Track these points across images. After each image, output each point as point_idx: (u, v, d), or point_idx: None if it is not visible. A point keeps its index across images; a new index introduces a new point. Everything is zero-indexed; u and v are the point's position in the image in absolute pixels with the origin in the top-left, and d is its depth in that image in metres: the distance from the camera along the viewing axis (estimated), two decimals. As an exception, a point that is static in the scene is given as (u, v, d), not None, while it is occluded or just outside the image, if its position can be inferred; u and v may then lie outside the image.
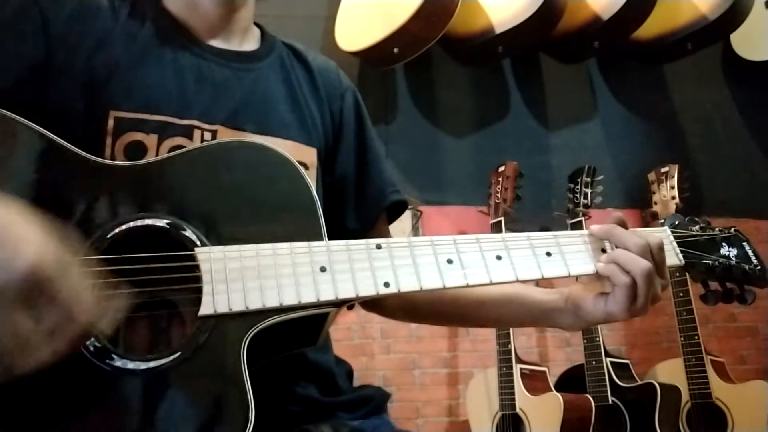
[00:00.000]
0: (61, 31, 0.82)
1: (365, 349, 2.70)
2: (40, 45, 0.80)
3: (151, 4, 0.91)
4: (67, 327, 0.57)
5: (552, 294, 0.92)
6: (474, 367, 2.70)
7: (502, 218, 2.49)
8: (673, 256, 0.91)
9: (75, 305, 0.57)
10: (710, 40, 2.87)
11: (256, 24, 1.01)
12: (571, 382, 2.47)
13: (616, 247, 0.83)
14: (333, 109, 1.01)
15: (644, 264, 0.80)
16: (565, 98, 3.10)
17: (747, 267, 0.93)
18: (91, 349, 0.65)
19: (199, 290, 0.69)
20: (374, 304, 1.03)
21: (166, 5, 0.92)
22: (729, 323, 2.97)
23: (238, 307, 0.69)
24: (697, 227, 0.96)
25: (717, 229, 0.97)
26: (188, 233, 0.72)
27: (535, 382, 2.37)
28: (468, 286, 0.78)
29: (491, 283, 0.80)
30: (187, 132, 0.84)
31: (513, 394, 2.32)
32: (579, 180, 2.54)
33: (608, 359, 2.39)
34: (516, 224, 2.51)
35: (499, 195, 2.53)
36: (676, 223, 0.96)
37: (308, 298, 0.72)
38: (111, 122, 0.81)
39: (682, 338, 2.40)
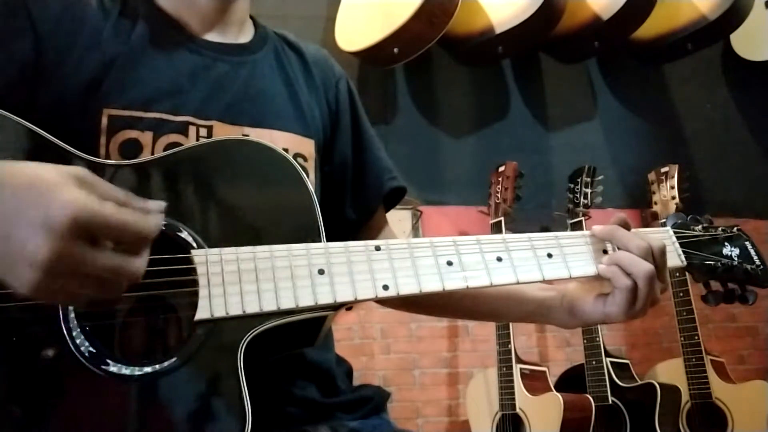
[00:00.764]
0: (49, 31, 0.81)
1: (365, 349, 2.69)
2: (29, 45, 0.79)
3: (143, 2, 0.90)
4: (122, 258, 0.56)
5: (549, 291, 0.91)
6: (474, 367, 2.69)
7: (502, 218, 2.49)
8: (675, 258, 0.90)
9: (124, 234, 0.56)
10: (710, 40, 2.87)
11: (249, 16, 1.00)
12: (571, 382, 2.47)
13: (618, 248, 0.82)
14: (329, 97, 1.00)
15: (646, 267, 0.79)
16: (565, 98, 3.10)
17: (749, 267, 0.93)
18: (86, 354, 0.64)
19: (196, 293, 0.68)
20: None
21: (158, 2, 0.91)
22: (729, 323, 2.97)
23: (235, 311, 0.68)
24: (700, 227, 0.96)
25: (720, 228, 0.96)
26: (184, 235, 0.71)
27: (535, 382, 2.36)
28: (468, 288, 0.78)
29: (491, 285, 0.79)
30: (182, 128, 0.83)
31: (513, 394, 2.32)
32: (579, 180, 2.54)
33: (608, 359, 2.39)
34: (516, 224, 2.51)
35: (499, 195, 2.53)
36: (679, 222, 0.96)
37: (306, 301, 0.71)
38: (105, 120, 0.80)
39: (682, 338, 2.40)
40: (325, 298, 0.72)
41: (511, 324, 2.38)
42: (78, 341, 0.64)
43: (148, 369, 0.65)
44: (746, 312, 2.89)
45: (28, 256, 0.52)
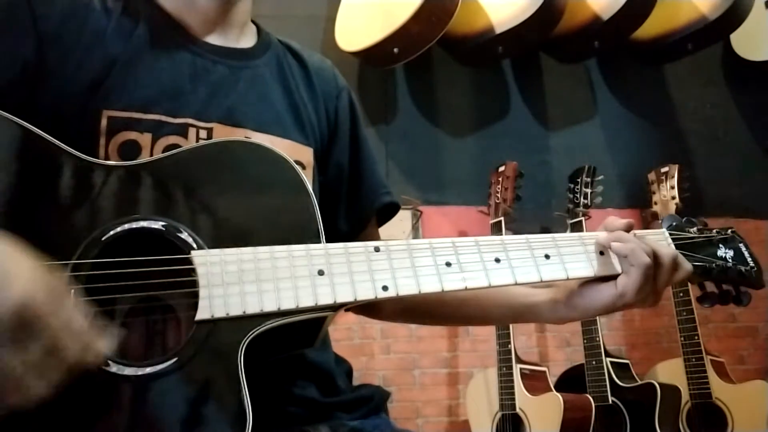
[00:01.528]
0: (52, 30, 0.81)
1: (365, 349, 2.70)
2: (31, 44, 0.79)
3: (145, 3, 0.90)
4: (53, 363, 0.56)
5: (537, 288, 0.91)
6: (474, 367, 2.70)
7: (502, 218, 2.49)
8: None
9: (63, 341, 0.57)
10: (710, 40, 2.86)
11: (252, 21, 1.00)
12: (571, 382, 2.47)
13: (624, 257, 0.83)
14: (328, 108, 1.00)
15: (670, 250, 0.82)
16: (565, 98, 3.10)
17: (744, 269, 0.93)
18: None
19: (196, 294, 0.69)
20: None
21: (160, 2, 0.91)
22: (729, 323, 2.97)
23: (235, 311, 0.69)
24: (695, 228, 0.96)
25: (714, 230, 0.96)
26: (184, 236, 0.71)
27: (535, 382, 2.37)
28: (467, 289, 0.78)
29: (490, 286, 0.79)
30: (182, 130, 0.83)
31: (513, 394, 2.32)
32: (579, 180, 2.54)
33: (608, 359, 2.39)
34: (516, 224, 2.52)
35: (499, 195, 2.53)
36: (674, 224, 0.96)
37: (306, 302, 0.71)
38: (104, 122, 0.80)
39: (682, 338, 2.40)
40: (325, 299, 0.72)
41: (510, 324, 2.38)
42: (79, 342, 0.65)
43: (148, 370, 0.66)
44: (746, 312, 2.89)
45: None
